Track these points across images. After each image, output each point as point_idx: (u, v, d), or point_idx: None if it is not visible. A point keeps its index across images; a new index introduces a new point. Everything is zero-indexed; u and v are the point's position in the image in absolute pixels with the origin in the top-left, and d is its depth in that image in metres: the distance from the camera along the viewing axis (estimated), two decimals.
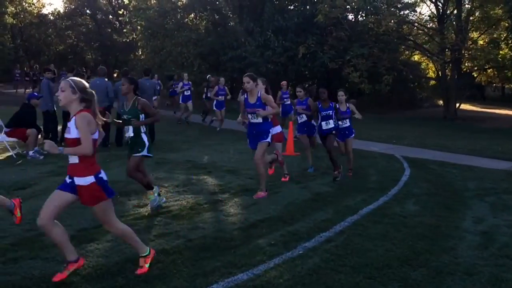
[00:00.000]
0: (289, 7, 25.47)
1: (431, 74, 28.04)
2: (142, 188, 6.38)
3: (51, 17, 43.19)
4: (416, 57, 29.53)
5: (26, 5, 40.62)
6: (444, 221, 5.50)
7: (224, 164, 8.49)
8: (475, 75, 25.48)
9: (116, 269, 3.81)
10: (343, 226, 5.16)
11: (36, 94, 9.53)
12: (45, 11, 43.86)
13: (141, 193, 6.21)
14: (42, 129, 9.36)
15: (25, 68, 34.94)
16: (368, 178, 7.90)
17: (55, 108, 10.10)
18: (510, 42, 21.51)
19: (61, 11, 43.78)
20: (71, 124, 3.54)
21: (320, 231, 4.96)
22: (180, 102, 15.73)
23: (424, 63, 29.93)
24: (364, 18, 24.36)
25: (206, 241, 4.54)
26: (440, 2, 22.64)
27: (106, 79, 10.82)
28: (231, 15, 25.26)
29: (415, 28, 23.87)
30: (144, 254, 3.81)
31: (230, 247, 4.40)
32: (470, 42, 22.32)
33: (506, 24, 21.31)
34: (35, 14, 41.53)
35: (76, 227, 4.75)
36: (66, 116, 10.00)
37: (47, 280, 3.57)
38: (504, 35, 21.87)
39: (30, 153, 8.41)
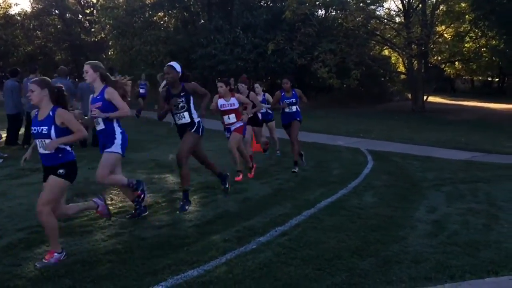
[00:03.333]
0: (258, 4, 25.52)
1: (402, 68, 28.50)
2: (99, 188, 6.37)
3: (18, 18, 42.20)
4: (386, 52, 29.98)
5: None
6: (399, 211, 5.62)
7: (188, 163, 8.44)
8: (443, 68, 26.03)
9: (64, 270, 3.76)
10: (299, 219, 5.22)
11: None
12: (11, 11, 42.75)
13: (98, 193, 6.14)
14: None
15: None
16: (330, 172, 7.99)
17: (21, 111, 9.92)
18: (473, 35, 22.01)
19: (29, 11, 42.85)
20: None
21: (275, 225, 5.00)
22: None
23: (394, 57, 30.42)
24: (332, 13, 24.62)
25: (160, 239, 4.53)
26: None
27: (69, 79, 10.68)
28: (200, 13, 25.17)
29: (383, 23, 24.21)
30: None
31: (184, 245, 4.40)
32: (436, 36, 22.78)
33: (470, 18, 21.81)
34: (1, 15, 40.55)
35: (28, 229, 4.68)
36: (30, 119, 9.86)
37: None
38: (468, 28, 22.35)
39: None
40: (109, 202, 5.75)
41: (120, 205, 5.67)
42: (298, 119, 7.83)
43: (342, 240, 4.59)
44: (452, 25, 23.59)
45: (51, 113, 3.94)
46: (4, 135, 10.09)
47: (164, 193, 6.28)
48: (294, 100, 7.78)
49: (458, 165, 8.92)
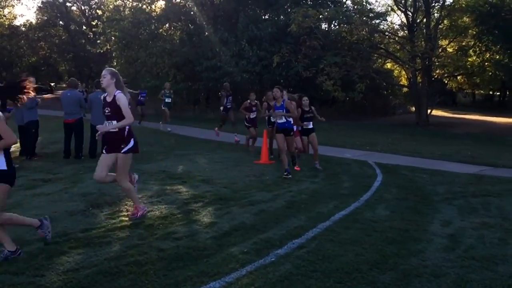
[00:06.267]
0: (263, 17, 25.73)
1: (404, 81, 28.67)
2: (114, 199, 6.41)
3: (23, 29, 42.64)
4: (388, 65, 30.16)
5: None
6: (413, 225, 5.64)
7: (199, 174, 8.50)
8: (446, 82, 26.18)
9: (87, 281, 3.78)
10: (315, 232, 5.24)
11: (8, 107, 9.38)
12: (16, 22, 43.19)
13: (114, 204, 6.19)
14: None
15: None
16: (340, 185, 8.02)
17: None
18: (477, 49, 22.16)
19: (33, 22, 43.26)
20: None
21: (292, 238, 5.02)
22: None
23: (397, 71, 30.59)
24: (337, 27, 24.82)
25: (179, 251, 4.55)
26: (410, 11, 23.23)
27: (79, 91, 10.77)
28: (205, 25, 25.37)
29: (387, 37, 24.39)
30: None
31: (203, 256, 4.42)
32: (439, 50, 22.94)
33: (474, 32, 21.97)
34: (6, 26, 40.90)
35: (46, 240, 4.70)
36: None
37: None
38: (472, 43, 22.51)
39: None
40: (124, 213, 5.79)
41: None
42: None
43: (360, 253, 4.60)
44: (455, 39, 23.76)
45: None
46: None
47: (178, 204, 6.30)
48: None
49: (467, 178, 8.94)
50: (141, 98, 18.09)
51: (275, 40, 23.05)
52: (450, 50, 23.71)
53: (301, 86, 23.90)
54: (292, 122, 8.92)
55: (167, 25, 27.14)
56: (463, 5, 21.42)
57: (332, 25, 25.83)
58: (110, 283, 3.78)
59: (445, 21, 23.36)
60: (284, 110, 8.69)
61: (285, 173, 8.44)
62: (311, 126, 9.71)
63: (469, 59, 22.91)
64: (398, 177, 8.96)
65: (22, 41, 42.00)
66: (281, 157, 8.81)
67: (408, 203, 6.78)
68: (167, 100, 16.60)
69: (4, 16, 41.05)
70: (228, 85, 14.15)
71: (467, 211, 6.44)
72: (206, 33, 25.54)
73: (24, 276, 3.86)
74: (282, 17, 24.82)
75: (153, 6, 27.42)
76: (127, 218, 5.57)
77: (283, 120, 8.73)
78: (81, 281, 3.79)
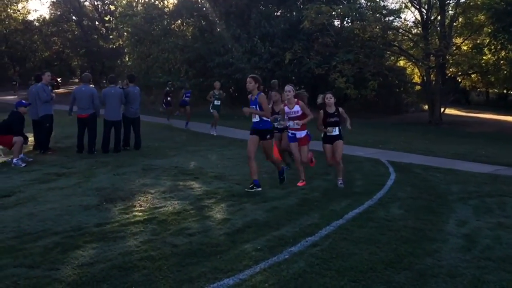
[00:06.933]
0: (275, 14, 25.63)
1: (417, 79, 28.39)
2: (127, 194, 6.44)
3: (37, 24, 42.99)
4: (401, 63, 29.88)
5: (11, 11, 40.34)
6: (428, 224, 5.58)
7: (211, 170, 8.50)
8: (459, 80, 25.89)
9: (102, 276, 3.79)
10: (329, 230, 5.20)
11: (24, 102, 9.45)
12: (30, 17, 43.62)
13: (127, 199, 6.21)
14: (27, 137, 9.30)
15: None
16: (353, 183, 7.96)
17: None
18: (493, 47, 21.87)
19: (47, 17, 43.58)
20: None
21: (306, 235, 4.99)
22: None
23: (410, 69, 30.29)
24: (349, 24, 24.65)
25: (192, 246, 4.55)
26: (424, 8, 22.98)
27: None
28: (218, 22, 25.36)
29: (400, 34, 24.17)
30: None
31: (216, 253, 4.41)
32: (454, 48, 22.69)
33: (489, 30, 21.68)
34: (20, 21, 41.26)
35: (61, 234, 4.73)
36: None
37: None
38: (487, 41, 22.22)
39: (14, 160, 8.35)
40: (138, 208, 5.81)
41: (150, 211, 5.69)
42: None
43: (374, 252, 4.56)
44: (470, 37, 23.46)
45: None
46: (31, 138, 10.17)
47: (191, 200, 6.30)
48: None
49: (482, 178, 8.82)
50: (186, 98, 16.97)
51: (287, 37, 22.96)
52: (464, 48, 23.42)
53: (313, 83, 23.82)
54: (270, 121, 7.12)
55: (179, 21, 27.17)
56: (479, 3, 21.14)
57: (345, 22, 25.63)
58: (124, 277, 3.79)
59: (460, 19, 23.08)
60: (257, 107, 6.94)
61: (250, 185, 6.98)
62: (336, 132, 7.70)
63: (484, 57, 22.60)
64: (412, 175, 8.87)
65: (36, 36, 42.31)
66: (248, 164, 7.06)
67: (422, 202, 6.71)
68: (216, 102, 14.35)
69: (18, 11, 41.40)
70: (276, 82, 12.04)
71: (482, 211, 6.35)
72: (219, 29, 25.53)
73: (40, 269, 3.88)
74: (294, 13, 24.70)
75: (165, 2, 27.51)
76: (140, 213, 5.59)
77: (257, 119, 7.00)
78: (95, 275, 3.80)
